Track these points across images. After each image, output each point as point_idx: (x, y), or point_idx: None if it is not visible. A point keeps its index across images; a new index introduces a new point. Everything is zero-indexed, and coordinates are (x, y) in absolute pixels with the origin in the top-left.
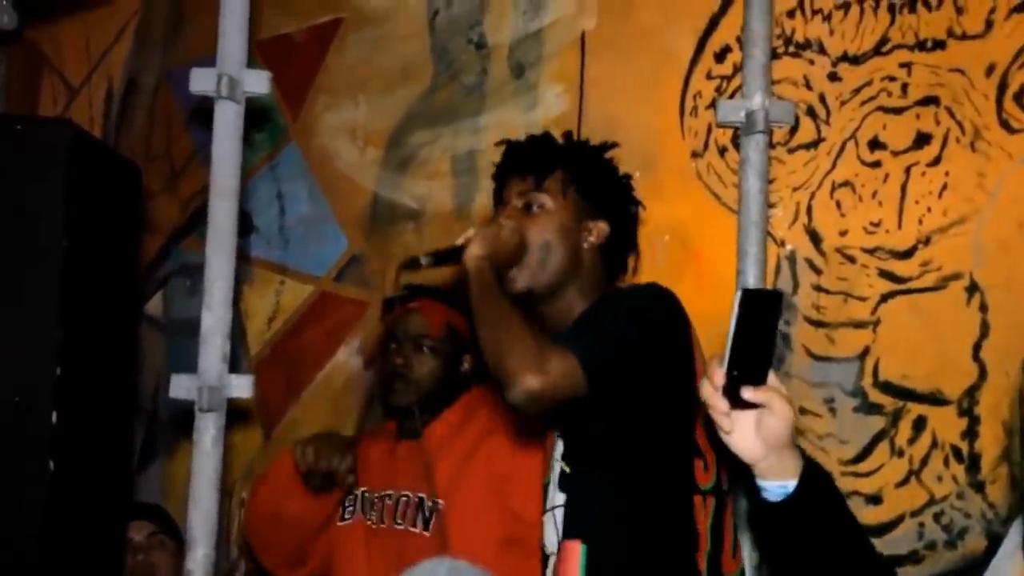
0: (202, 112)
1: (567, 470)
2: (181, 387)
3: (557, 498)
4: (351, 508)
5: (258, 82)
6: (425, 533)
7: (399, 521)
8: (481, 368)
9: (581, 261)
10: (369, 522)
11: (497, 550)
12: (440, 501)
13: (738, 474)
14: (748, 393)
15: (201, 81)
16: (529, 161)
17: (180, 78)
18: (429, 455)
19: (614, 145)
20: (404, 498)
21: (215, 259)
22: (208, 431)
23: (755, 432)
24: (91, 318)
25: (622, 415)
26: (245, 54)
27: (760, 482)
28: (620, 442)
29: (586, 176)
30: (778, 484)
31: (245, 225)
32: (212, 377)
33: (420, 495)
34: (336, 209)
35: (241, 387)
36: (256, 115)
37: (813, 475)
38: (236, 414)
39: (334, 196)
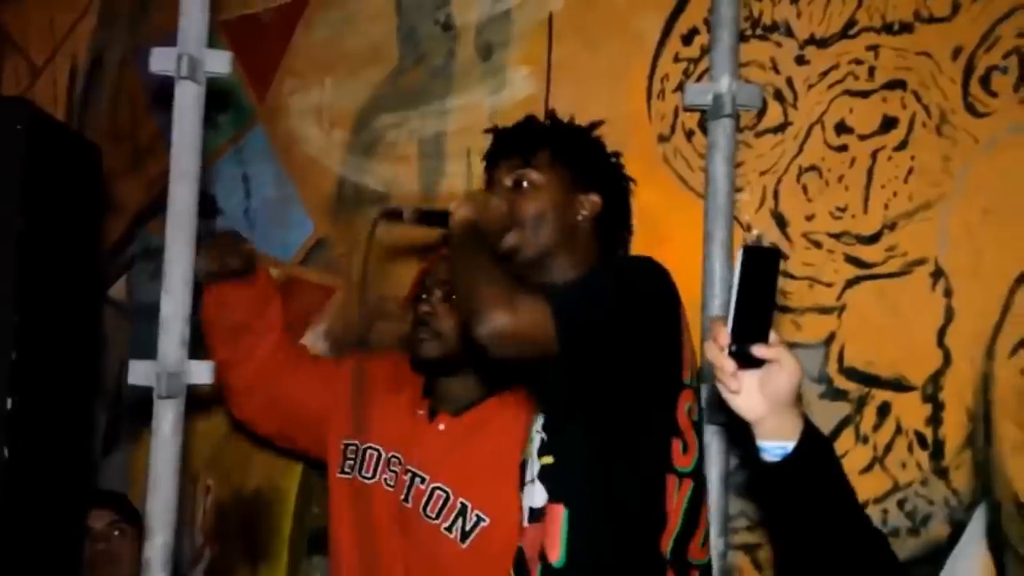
0: (167, 92)
1: (545, 438)
2: (140, 373)
3: (535, 468)
4: (351, 461)
5: (219, 62)
6: (461, 544)
7: (430, 514)
8: None
9: (574, 234)
10: (385, 485)
11: None
12: (486, 518)
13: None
14: (760, 350)
15: (161, 61)
16: (515, 142)
17: (145, 56)
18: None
19: (599, 123)
20: (439, 492)
21: (175, 242)
22: (167, 418)
23: (759, 391)
24: (49, 302)
25: (598, 380)
26: (206, 34)
27: (760, 442)
28: (596, 408)
29: (573, 151)
30: (778, 444)
31: (210, 208)
32: (171, 363)
33: (463, 500)
34: (302, 192)
35: (201, 373)
36: (220, 96)
37: (812, 437)
38: (200, 400)
39: (300, 179)
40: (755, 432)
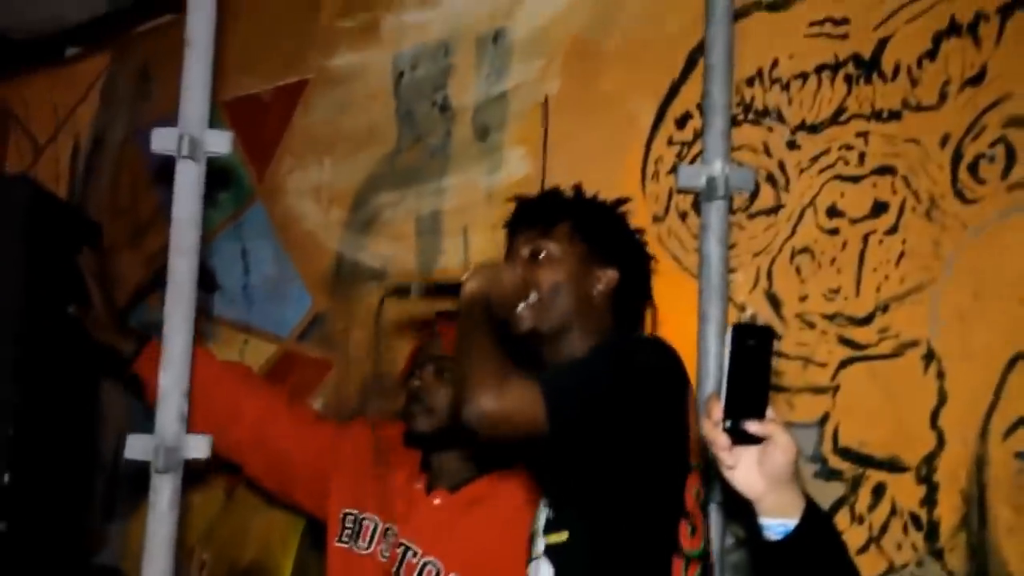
0: (167, 169)
1: (552, 515)
2: (137, 448)
3: (541, 545)
4: (349, 530)
5: (220, 142)
6: None
7: None
8: None
9: (589, 308)
10: (379, 556)
11: None
12: None
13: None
14: (753, 426)
15: (162, 141)
16: (536, 213)
17: (146, 135)
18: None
19: (625, 200)
20: (430, 567)
21: (174, 318)
22: (164, 493)
23: (758, 468)
24: (49, 377)
25: (594, 462)
26: (207, 114)
27: (762, 520)
28: (596, 491)
29: (592, 225)
30: (780, 522)
31: (209, 283)
32: (169, 437)
33: (454, 575)
34: (300, 269)
35: (198, 447)
36: (220, 174)
37: (815, 515)
38: (196, 473)
39: (298, 256)
40: (756, 510)
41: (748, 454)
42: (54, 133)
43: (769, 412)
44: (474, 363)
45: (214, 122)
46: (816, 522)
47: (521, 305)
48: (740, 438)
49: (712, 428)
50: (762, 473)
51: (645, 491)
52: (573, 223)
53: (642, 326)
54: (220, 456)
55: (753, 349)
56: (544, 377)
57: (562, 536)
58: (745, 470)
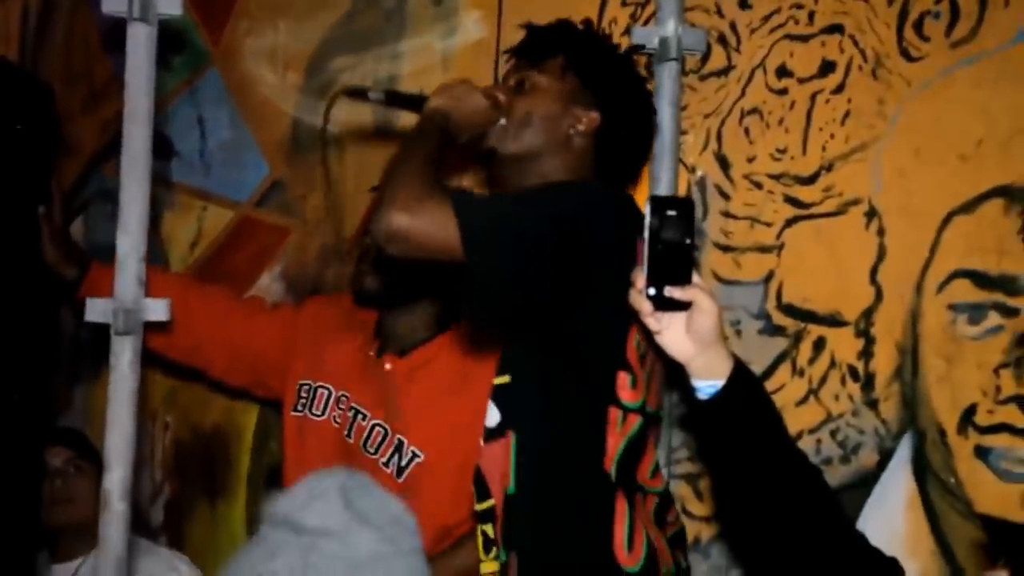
0: (119, 32)
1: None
2: (97, 310)
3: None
4: (304, 399)
5: (171, 3)
6: (397, 479)
7: (370, 449)
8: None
9: (563, 146)
10: (333, 422)
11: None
12: (421, 454)
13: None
14: (676, 292)
15: (112, 1)
16: (535, 44)
17: None
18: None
19: (638, 48)
20: (378, 428)
21: (130, 184)
22: (124, 354)
23: (685, 332)
24: (3, 242)
25: (526, 301)
26: None
27: (694, 382)
28: (528, 332)
29: (587, 63)
30: (709, 383)
31: (166, 150)
32: (128, 300)
33: (400, 437)
34: (257, 134)
35: (158, 310)
36: (175, 38)
37: (741, 374)
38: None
39: (255, 121)
40: (688, 372)
41: (676, 319)
42: None
43: (695, 278)
44: (401, 178)
45: None
46: (743, 381)
47: (492, 130)
48: (665, 305)
49: (636, 295)
50: (690, 337)
51: (575, 335)
52: (568, 58)
53: (634, 182)
54: (182, 362)
55: (674, 219)
56: (470, 201)
57: (505, 379)
58: (673, 334)
